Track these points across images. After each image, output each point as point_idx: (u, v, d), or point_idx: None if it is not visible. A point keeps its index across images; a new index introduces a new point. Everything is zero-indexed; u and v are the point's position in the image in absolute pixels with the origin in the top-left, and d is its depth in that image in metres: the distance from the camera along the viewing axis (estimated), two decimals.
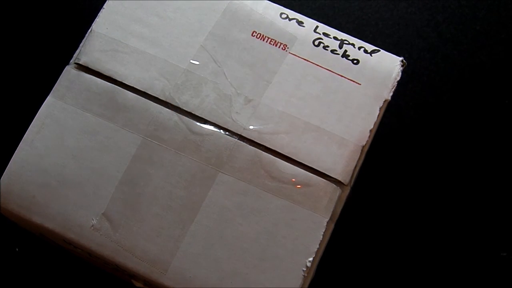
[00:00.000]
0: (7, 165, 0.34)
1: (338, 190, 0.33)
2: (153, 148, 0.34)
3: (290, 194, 0.33)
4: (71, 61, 0.35)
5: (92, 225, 0.33)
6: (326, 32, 0.36)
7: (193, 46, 0.35)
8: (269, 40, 0.36)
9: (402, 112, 0.48)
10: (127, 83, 0.35)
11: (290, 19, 0.36)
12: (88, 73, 0.35)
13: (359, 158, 0.34)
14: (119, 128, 0.34)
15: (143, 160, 0.33)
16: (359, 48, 0.36)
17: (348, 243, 0.45)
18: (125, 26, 0.36)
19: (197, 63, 0.35)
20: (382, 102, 0.35)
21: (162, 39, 0.35)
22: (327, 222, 0.33)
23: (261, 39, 0.36)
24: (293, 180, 0.33)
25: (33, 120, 0.34)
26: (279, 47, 0.35)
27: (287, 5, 0.37)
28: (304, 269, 0.32)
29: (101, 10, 0.36)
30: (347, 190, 0.34)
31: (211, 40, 0.35)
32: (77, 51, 0.35)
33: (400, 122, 0.48)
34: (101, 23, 0.36)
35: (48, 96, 0.35)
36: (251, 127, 0.34)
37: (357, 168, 0.34)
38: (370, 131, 0.34)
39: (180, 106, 0.34)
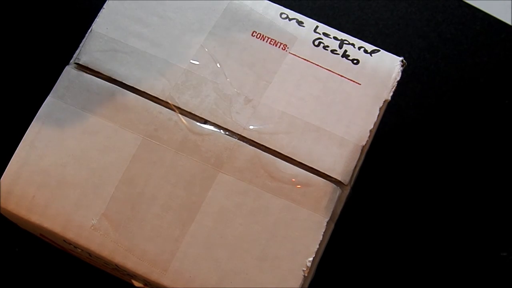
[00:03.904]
0: (7, 165, 0.34)
1: (338, 190, 0.33)
2: (153, 148, 0.34)
3: (290, 194, 0.33)
4: (71, 61, 0.35)
5: (92, 225, 0.33)
6: (326, 32, 0.36)
7: (193, 46, 0.35)
8: (269, 40, 0.36)
9: (402, 112, 0.48)
10: (127, 83, 0.35)
11: (290, 19, 0.36)
12: (88, 73, 0.35)
13: (359, 158, 0.34)
14: (119, 128, 0.34)
15: (143, 160, 0.33)
16: (359, 48, 0.36)
17: (348, 243, 0.45)
18: (125, 26, 0.36)
19: (197, 63, 0.35)
20: (382, 102, 0.35)
21: (162, 39, 0.35)
22: (327, 222, 0.33)
23: (261, 39, 0.36)
24: (293, 180, 0.33)
25: (33, 120, 0.34)
26: (279, 47, 0.35)
27: (287, 5, 0.37)
28: (304, 269, 0.32)
29: (101, 10, 0.36)
30: (347, 190, 0.34)
31: (211, 40, 0.35)
32: (77, 51, 0.35)
33: (400, 122, 0.48)
34: (101, 23, 0.36)
35: (48, 96, 0.35)
36: (251, 127, 0.34)
37: (357, 168, 0.34)
38: (370, 131, 0.34)
39: (180, 106, 0.34)
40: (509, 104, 0.48)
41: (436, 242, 0.45)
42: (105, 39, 0.35)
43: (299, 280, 0.32)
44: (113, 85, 0.35)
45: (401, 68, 0.35)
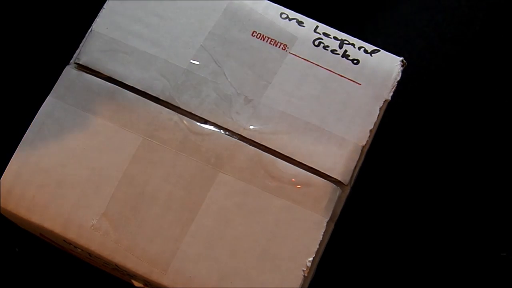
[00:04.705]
0: (7, 165, 0.34)
1: (338, 190, 0.33)
2: (153, 148, 0.34)
3: (290, 194, 0.33)
4: (71, 61, 0.35)
5: (92, 225, 0.33)
6: (326, 32, 0.36)
7: (193, 46, 0.35)
8: (269, 40, 0.36)
9: (402, 112, 0.48)
10: (127, 83, 0.35)
11: (290, 19, 0.36)
12: (88, 73, 0.35)
13: (359, 158, 0.34)
14: (119, 128, 0.34)
15: (143, 160, 0.33)
16: (359, 48, 0.36)
17: (348, 243, 0.45)
18: (125, 26, 0.36)
19: (197, 63, 0.35)
20: (382, 102, 0.35)
21: (162, 39, 0.35)
22: (327, 222, 0.33)
23: (261, 39, 0.36)
24: (293, 180, 0.33)
25: (33, 120, 0.34)
26: (279, 47, 0.35)
27: (287, 5, 0.37)
28: (304, 269, 0.32)
29: (101, 10, 0.36)
30: (347, 190, 0.34)
31: (211, 40, 0.35)
32: (77, 51, 0.35)
33: (400, 122, 0.48)
34: (101, 23, 0.36)
35: (48, 96, 0.35)
36: (251, 127, 0.34)
37: (357, 168, 0.34)
38: (370, 131, 0.34)
39: (180, 106, 0.34)
40: (509, 104, 0.48)
41: (436, 242, 0.45)
42: (105, 39, 0.35)
43: (299, 280, 0.32)
44: (113, 85, 0.35)
45: (401, 68, 0.35)
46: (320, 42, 0.36)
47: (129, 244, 0.32)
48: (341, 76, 0.35)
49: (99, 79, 0.35)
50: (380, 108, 0.35)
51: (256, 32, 0.36)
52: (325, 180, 0.33)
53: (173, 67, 0.35)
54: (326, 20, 0.37)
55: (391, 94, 0.35)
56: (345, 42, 0.36)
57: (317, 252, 0.32)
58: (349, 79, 0.35)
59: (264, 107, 0.34)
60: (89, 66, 0.35)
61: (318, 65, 0.35)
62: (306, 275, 0.32)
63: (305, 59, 0.35)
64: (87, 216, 0.33)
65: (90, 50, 0.35)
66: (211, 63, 0.35)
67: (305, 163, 0.33)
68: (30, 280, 0.44)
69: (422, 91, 0.49)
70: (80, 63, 0.35)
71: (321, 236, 0.32)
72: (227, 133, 0.34)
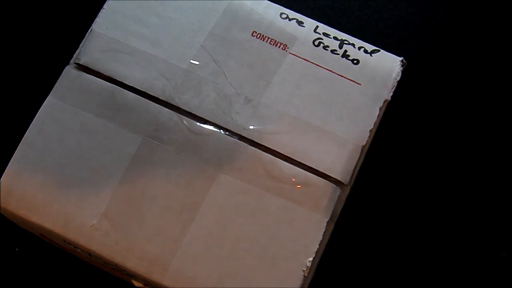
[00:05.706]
0: (7, 165, 0.34)
1: (338, 190, 0.33)
2: (153, 148, 0.34)
3: (290, 194, 0.33)
4: (71, 61, 0.35)
5: (92, 225, 0.33)
6: (326, 32, 0.36)
7: (193, 46, 0.35)
8: (269, 40, 0.36)
9: (402, 112, 0.48)
10: (127, 83, 0.35)
11: (290, 19, 0.36)
12: (88, 73, 0.35)
13: (359, 158, 0.34)
14: (119, 128, 0.34)
15: (143, 160, 0.33)
16: (359, 48, 0.36)
17: (348, 243, 0.45)
18: (125, 26, 0.36)
19: (197, 63, 0.35)
20: (382, 102, 0.35)
21: (162, 39, 0.35)
22: (327, 222, 0.33)
23: (261, 39, 0.36)
24: (293, 180, 0.33)
25: (33, 120, 0.34)
26: (279, 47, 0.35)
27: (287, 5, 0.37)
28: (304, 269, 0.32)
29: (101, 10, 0.36)
30: (347, 190, 0.34)
31: (211, 40, 0.35)
32: (77, 51, 0.35)
33: (400, 122, 0.48)
34: (101, 23, 0.36)
35: (48, 96, 0.35)
36: (251, 127, 0.34)
37: (357, 168, 0.34)
38: (370, 131, 0.34)
39: (180, 106, 0.34)
40: (509, 104, 0.48)
41: (436, 242, 0.45)
42: (105, 39, 0.35)
43: (299, 280, 0.32)
44: (113, 85, 0.35)
45: (401, 68, 0.35)
46: (320, 42, 0.36)
47: (129, 244, 0.32)
48: (341, 76, 0.35)
49: (99, 79, 0.35)
50: (380, 108, 0.35)
51: (256, 32, 0.36)
52: (325, 180, 0.33)
53: (173, 67, 0.35)
54: (326, 20, 0.37)
55: (391, 94, 0.35)
56: (345, 42, 0.36)
57: (317, 252, 0.32)
58: (349, 79, 0.35)
59: (264, 107, 0.34)
60: (89, 66, 0.35)
61: (318, 65, 0.35)
62: (306, 275, 0.32)
63: (305, 59, 0.35)
64: (87, 216, 0.33)
65: (90, 50, 0.35)
66: (211, 63, 0.35)
67: (305, 163, 0.33)
68: (30, 280, 0.44)
69: (422, 91, 0.49)
70: (80, 63, 0.35)
71: (321, 236, 0.32)
72: (227, 133, 0.34)
